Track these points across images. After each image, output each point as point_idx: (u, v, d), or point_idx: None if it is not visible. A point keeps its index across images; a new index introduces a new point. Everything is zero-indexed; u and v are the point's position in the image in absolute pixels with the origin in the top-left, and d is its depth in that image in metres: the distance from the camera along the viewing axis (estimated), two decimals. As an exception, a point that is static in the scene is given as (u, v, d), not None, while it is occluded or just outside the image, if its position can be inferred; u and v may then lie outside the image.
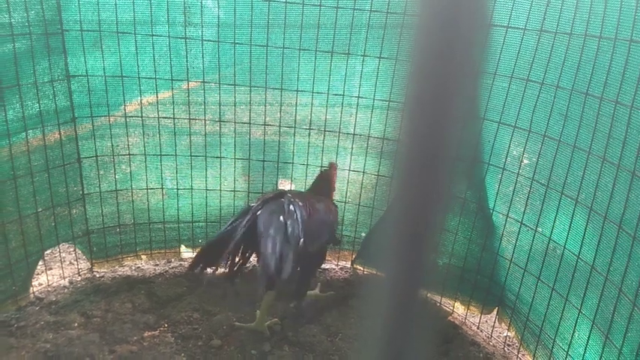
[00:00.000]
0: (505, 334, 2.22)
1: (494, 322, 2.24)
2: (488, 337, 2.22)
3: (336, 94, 2.30)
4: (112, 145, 2.31)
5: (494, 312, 2.25)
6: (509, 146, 1.99)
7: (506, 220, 2.06)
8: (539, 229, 1.94)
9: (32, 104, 2.03)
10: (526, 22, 1.82)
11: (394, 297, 0.32)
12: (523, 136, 1.93)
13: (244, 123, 2.37)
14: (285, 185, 2.53)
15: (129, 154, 2.35)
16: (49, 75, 2.07)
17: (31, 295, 2.18)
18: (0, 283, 2.01)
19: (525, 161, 1.96)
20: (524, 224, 2.00)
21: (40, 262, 2.22)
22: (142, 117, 2.31)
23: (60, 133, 2.16)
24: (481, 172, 2.10)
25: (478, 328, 2.26)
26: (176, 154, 2.39)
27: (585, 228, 1.73)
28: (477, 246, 2.18)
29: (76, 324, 2.03)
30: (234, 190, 2.46)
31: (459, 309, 2.33)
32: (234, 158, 2.43)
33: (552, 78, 1.79)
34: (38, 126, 2.06)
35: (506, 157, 2.01)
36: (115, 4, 2.11)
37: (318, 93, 2.30)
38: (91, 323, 2.04)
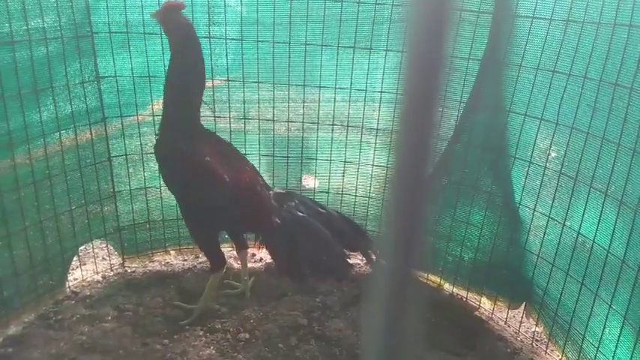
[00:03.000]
0: (533, 330, 2.19)
1: (522, 318, 2.21)
2: (515, 332, 2.20)
3: (358, 90, 2.30)
4: (141, 144, 2.38)
5: (522, 307, 2.22)
6: (535, 139, 1.96)
7: (533, 214, 2.03)
8: (568, 223, 1.90)
9: (65, 105, 2.10)
10: (552, 12, 1.78)
11: (391, 280, 0.33)
12: (550, 128, 1.90)
13: (268, 120, 2.40)
14: (309, 181, 2.55)
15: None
16: (80, 76, 2.14)
17: (67, 290, 2.26)
18: (38, 277, 2.10)
19: (553, 154, 1.92)
20: (551, 218, 1.96)
21: (75, 258, 2.31)
22: (168, 116, 2.36)
23: (91, 133, 2.23)
24: (507, 166, 2.07)
25: (505, 323, 2.24)
26: (202, 152, 2.43)
27: (615, 221, 1.69)
28: (504, 240, 2.16)
29: (110, 317, 2.11)
30: (259, 187, 2.50)
31: (485, 304, 2.31)
32: (259, 155, 2.46)
33: (580, 69, 1.75)
34: (70, 126, 2.14)
35: (533, 150, 1.97)
36: (142, 6, 2.16)
37: (340, 88, 2.31)
38: (123, 317, 2.11)
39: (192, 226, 2.11)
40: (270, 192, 2.09)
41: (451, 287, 2.40)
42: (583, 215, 1.83)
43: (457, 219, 2.25)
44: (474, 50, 2.04)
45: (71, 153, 2.16)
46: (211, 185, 1.92)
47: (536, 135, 1.95)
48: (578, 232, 1.86)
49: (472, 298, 2.35)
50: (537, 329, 2.17)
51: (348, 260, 2.06)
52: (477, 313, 2.31)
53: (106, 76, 2.23)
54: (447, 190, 2.26)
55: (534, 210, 2.02)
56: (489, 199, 2.15)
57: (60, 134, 2.10)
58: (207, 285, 2.10)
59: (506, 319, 2.25)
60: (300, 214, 2.02)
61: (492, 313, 2.28)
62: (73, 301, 2.21)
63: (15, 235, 1.96)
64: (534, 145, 1.97)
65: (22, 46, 1.88)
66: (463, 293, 2.37)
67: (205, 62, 2.28)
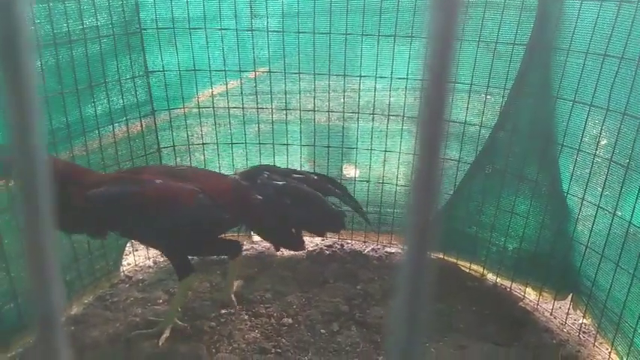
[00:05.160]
0: (580, 322, 2.13)
1: (569, 309, 2.16)
2: (562, 323, 2.15)
3: (399, 78, 2.29)
4: (187, 135, 2.47)
5: (569, 298, 2.17)
6: (585, 126, 1.89)
7: (581, 204, 1.97)
8: (619, 213, 1.84)
9: (117, 99, 2.21)
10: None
11: (408, 262, 0.36)
12: (600, 114, 1.83)
13: (309, 110, 2.43)
14: (349, 170, 2.57)
15: (202, 143, 2.50)
16: (131, 72, 2.24)
17: (122, 274, 2.40)
18: (96, 263, 2.24)
19: (603, 141, 1.85)
20: (601, 207, 1.90)
21: (128, 244, 2.44)
22: (213, 107, 2.44)
23: (141, 125, 2.34)
24: (554, 154, 2.02)
25: (551, 315, 2.20)
26: (246, 142, 2.50)
27: (671, 211, 1.62)
28: (550, 230, 2.10)
29: (161, 300, 2.22)
30: (300, 176, 2.54)
31: (530, 294, 2.27)
32: (300, 145, 2.50)
33: (633, 51, 1.67)
34: (122, 119, 2.25)
35: (582, 137, 1.91)
36: (187, 2, 2.23)
37: (381, 77, 2.30)
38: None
39: (169, 245, 1.93)
40: (235, 176, 2.06)
41: (495, 277, 2.37)
42: (635, 205, 1.76)
43: (501, 208, 2.21)
44: (519, 35, 1.99)
45: (123, 144, 2.27)
46: (184, 203, 1.81)
47: (586, 121, 1.88)
48: (630, 222, 1.79)
49: (516, 288, 2.31)
50: (585, 321, 2.11)
51: (340, 210, 2.10)
52: (521, 303, 2.27)
53: (155, 71, 2.32)
54: (490, 178, 2.22)
55: (583, 199, 1.96)
56: (535, 187, 2.10)
57: (113, 127, 2.21)
58: (180, 292, 2.02)
59: (552, 310, 2.20)
60: (279, 182, 1.99)
61: (538, 304, 2.24)
62: (127, 285, 2.35)
63: (74, 222, 2.09)
64: (583, 132, 1.90)
65: (78, 45, 1.99)
66: (507, 283, 2.33)
67: (248, 54, 2.35)
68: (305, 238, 2.63)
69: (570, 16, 1.83)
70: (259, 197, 1.93)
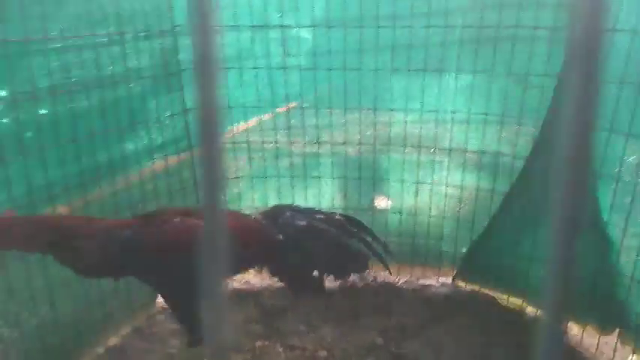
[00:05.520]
0: (630, 359, 2.03)
1: (616, 345, 2.07)
2: (609, 360, 2.06)
3: (430, 111, 2.31)
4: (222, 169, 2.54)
5: (615, 333, 2.08)
6: (623, 155, 1.86)
7: (623, 234, 1.91)
8: (664, 244, 1.77)
9: (156, 137, 2.31)
10: (636, 24, 1.71)
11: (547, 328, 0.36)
12: (637, 143, 1.80)
13: (340, 143, 2.47)
14: (381, 202, 2.58)
15: (237, 177, 2.56)
16: (170, 110, 2.35)
17: (158, 305, 2.44)
18: (134, 294, 2.29)
19: (642, 170, 1.81)
20: (644, 238, 1.84)
21: (165, 276, 2.49)
22: (247, 142, 2.52)
23: (179, 160, 2.42)
24: (593, 182, 1.98)
25: (597, 350, 2.10)
26: (279, 175, 2.55)
27: None
28: (591, 261, 2.04)
29: (196, 332, 2.24)
30: (332, 208, 2.56)
31: (573, 329, 2.19)
32: (332, 177, 2.53)
33: (670, 79, 1.65)
34: (161, 155, 2.34)
35: (620, 166, 1.87)
36: (223, 43, 2.34)
37: (411, 110, 2.33)
38: (208, 332, 2.24)
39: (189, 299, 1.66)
40: (256, 215, 1.97)
41: (535, 310, 2.29)
42: (681, 235, 1.70)
43: (539, 239, 2.17)
44: (550, 66, 1.99)
45: (161, 179, 2.36)
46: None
47: (624, 151, 1.85)
48: (677, 254, 1.72)
49: (558, 322, 2.23)
50: (635, 358, 2.01)
51: (364, 251, 1.94)
52: (564, 338, 2.18)
53: (192, 109, 2.42)
54: (526, 208, 2.19)
55: (625, 229, 1.90)
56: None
57: (153, 162, 2.31)
58: None
59: (598, 345, 2.11)
60: (301, 222, 1.89)
61: (582, 339, 2.15)
62: (163, 316, 2.38)
63: (115, 255, 2.16)
64: (622, 162, 1.87)
65: (122, 85, 2.11)
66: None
67: (280, 91, 2.43)
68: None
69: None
70: (281, 237, 1.85)
